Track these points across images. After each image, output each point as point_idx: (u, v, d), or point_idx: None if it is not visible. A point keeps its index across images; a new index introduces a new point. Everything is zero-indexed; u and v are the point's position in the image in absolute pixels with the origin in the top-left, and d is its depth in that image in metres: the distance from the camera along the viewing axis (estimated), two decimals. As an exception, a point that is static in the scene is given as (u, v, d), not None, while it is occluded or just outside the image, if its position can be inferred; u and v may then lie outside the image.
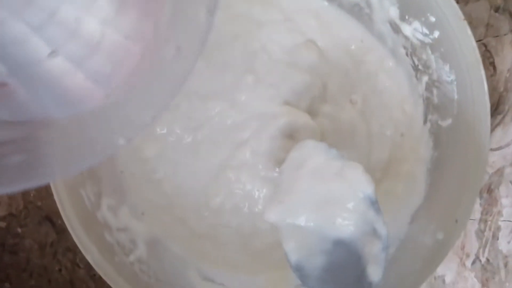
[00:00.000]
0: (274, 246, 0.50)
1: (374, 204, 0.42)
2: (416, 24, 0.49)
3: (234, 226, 0.52)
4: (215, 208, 0.52)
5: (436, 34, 0.47)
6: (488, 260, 0.53)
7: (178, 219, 0.52)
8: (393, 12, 0.50)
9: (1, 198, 0.56)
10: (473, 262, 0.54)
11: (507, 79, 0.54)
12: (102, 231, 0.48)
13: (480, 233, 0.54)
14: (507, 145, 0.54)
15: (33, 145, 0.33)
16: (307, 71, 0.54)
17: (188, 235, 0.52)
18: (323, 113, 0.54)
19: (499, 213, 0.54)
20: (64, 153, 0.33)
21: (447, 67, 0.48)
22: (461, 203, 0.47)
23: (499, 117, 0.54)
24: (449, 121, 0.49)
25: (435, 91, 0.50)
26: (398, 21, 0.50)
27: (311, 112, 0.53)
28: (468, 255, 0.54)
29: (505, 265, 0.53)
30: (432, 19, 0.47)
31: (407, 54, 0.52)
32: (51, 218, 0.57)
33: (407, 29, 0.50)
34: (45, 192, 0.56)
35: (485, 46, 0.55)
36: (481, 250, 0.54)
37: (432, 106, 0.51)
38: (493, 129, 0.54)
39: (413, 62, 0.52)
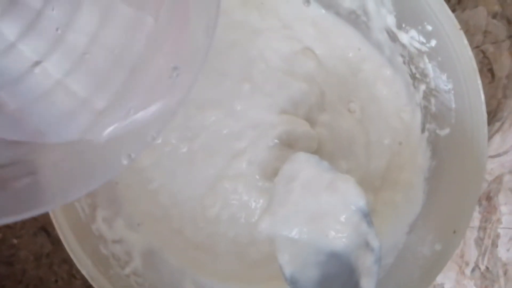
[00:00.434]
0: (271, 256, 0.50)
1: (366, 216, 0.42)
2: (413, 33, 0.49)
3: (230, 237, 0.52)
4: (212, 218, 0.52)
5: (433, 43, 0.47)
6: (487, 268, 0.53)
7: (174, 230, 0.52)
8: (390, 21, 0.50)
9: (-4, 209, 0.55)
10: (473, 270, 0.54)
11: (506, 86, 0.54)
12: (97, 244, 0.47)
13: (479, 241, 0.54)
14: (506, 152, 0.54)
15: (34, 169, 0.32)
16: (305, 79, 0.54)
17: (184, 246, 0.52)
18: (321, 122, 0.54)
19: (498, 220, 0.54)
20: (66, 177, 0.33)
21: (444, 76, 0.48)
22: (459, 214, 0.46)
23: (498, 124, 0.54)
24: (447, 130, 0.49)
25: (432, 100, 0.50)
26: (395, 29, 0.50)
27: (309, 120, 0.53)
28: (467, 263, 0.54)
29: (505, 273, 0.53)
30: (429, 28, 0.47)
31: (404, 63, 0.52)
32: (47, 229, 0.57)
33: (404, 38, 0.50)
34: (40, 202, 0.56)
35: (483, 52, 0.55)
36: (480, 258, 0.54)
37: (430, 115, 0.51)
38: (491, 136, 0.54)
39: (411, 70, 0.51)
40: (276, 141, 0.51)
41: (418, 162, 0.52)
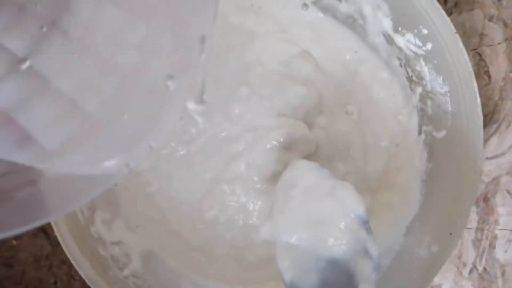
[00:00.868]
0: (268, 258, 0.50)
1: (365, 223, 0.43)
2: (409, 36, 0.49)
3: (228, 239, 0.52)
4: (209, 220, 0.52)
5: (429, 46, 0.48)
6: (485, 269, 0.53)
7: (172, 232, 0.52)
8: (387, 24, 0.50)
9: (-4, 211, 0.56)
10: (470, 271, 0.54)
11: (502, 88, 0.54)
12: (96, 246, 0.48)
13: (477, 242, 0.54)
14: (503, 154, 0.54)
15: (34, 178, 0.32)
16: (303, 82, 0.54)
17: (182, 248, 0.52)
18: (318, 124, 0.54)
19: (496, 222, 0.54)
20: (66, 186, 0.33)
21: (440, 79, 0.48)
22: (456, 215, 0.47)
23: (495, 126, 0.54)
24: (443, 133, 0.49)
25: (429, 102, 0.50)
26: (391, 33, 0.50)
27: (307, 123, 0.53)
28: (465, 264, 0.54)
29: (502, 273, 0.53)
30: (425, 31, 0.47)
31: (401, 65, 0.52)
32: (46, 231, 0.57)
33: (400, 41, 0.50)
34: (40, 204, 0.56)
35: (480, 55, 0.55)
36: (478, 259, 0.54)
37: (427, 117, 0.51)
38: (488, 138, 0.54)
39: (407, 73, 0.52)
40: (274, 143, 0.51)
41: (415, 164, 0.52)
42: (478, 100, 0.45)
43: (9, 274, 0.57)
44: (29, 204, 0.31)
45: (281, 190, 0.45)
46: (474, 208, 0.55)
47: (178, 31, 0.33)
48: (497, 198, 0.55)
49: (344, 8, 0.53)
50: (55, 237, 0.48)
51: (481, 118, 0.45)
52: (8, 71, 0.30)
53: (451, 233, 0.46)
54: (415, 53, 0.49)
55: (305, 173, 0.44)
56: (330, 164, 0.53)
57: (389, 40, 0.51)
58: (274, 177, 0.51)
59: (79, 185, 0.32)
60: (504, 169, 0.55)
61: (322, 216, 0.43)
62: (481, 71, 0.56)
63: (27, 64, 0.30)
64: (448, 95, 0.48)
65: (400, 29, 0.49)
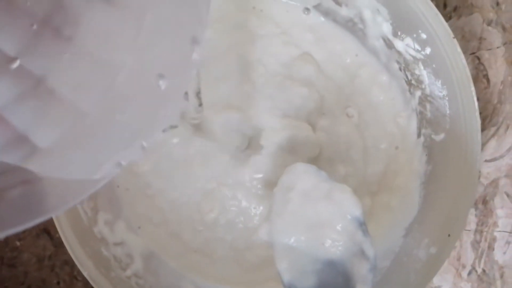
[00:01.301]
0: (269, 260, 0.50)
1: (362, 225, 0.43)
2: (408, 40, 0.49)
3: (228, 241, 0.52)
4: (210, 223, 0.52)
5: (428, 50, 0.48)
6: (484, 270, 0.54)
7: (173, 234, 0.52)
8: (386, 28, 0.51)
9: (-1, 212, 0.56)
10: (469, 273, 0.54)
11: (501, 91, 0.55)
12: (99, 246, 0.48)
13: (476, 244, 0.54)
14: (502, 156, 0.54)
15: (28, 177, 0.32)
16: (304, 84, 0.54)
17: (182, 250, 0.52)
18: (320, 127, 0.54)
19: (495, 224, 0.54)
20: (63, 182, 0.33)
21: (439, 83, 0.48)
22: (454, 218, 0.47)
23: (493, 128, 0.54)
24: (442, 136, 0.50)
25: (428, 105, 0.51)
26: (391, 37, 0.51)
27: (309, 125, 0.53)
28: (464, 266, 0.54)
29: (501, 275, 0.53)
30: (424, 36, 0.47)
31: (400, 69, 0.52)
32: (49, 231, 0.57)
33: (399, 45, 0.50)
34: (43, 205, 0.56)
35: (479, 59, 0.56)
36: (477, 261, 0.54)
37: (426, 121, 0.51)
38: (487, 140, 0.54)
39: (406, 77, 0.52)
40: (278, 146, 0.52)
41: (414, 166, 0.53)
42: (476, 104, 0.46)
43: (12, 275, 0.57)
44: (24, 203, 0.31)
45: (279, 193, 0.45)
46: (473, 210, 0.56)
47: (170, 30, 0.33)
48: (495, 201, 0.55)
49: (344, 12, 0.53)
50: (58, 238, 0.49)
51: (479, 121, 0.46)
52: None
53: (449, 235, 0.46)
54: (414, 57, 0.50)
55: (302, 176, 0.45)
56: (331, 167, 0.53)
57: (389, 44, 0.52)
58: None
59: (73, 183, 0.32)
60: (503, 171, 0.55)
61: (320, 218, 0.43)
62: (480, 75, 0.56)
63: (17, 63, 0.30)
64: (447, 98, 0.48)
65: (399, 33, 0.50)
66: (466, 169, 0.47)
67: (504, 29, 0.55)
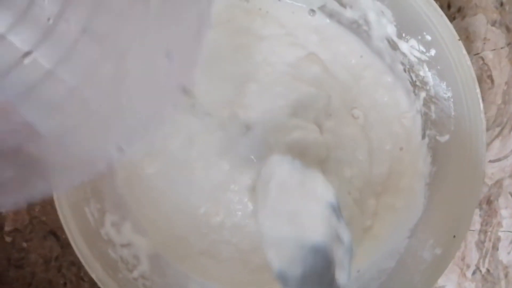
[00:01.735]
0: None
1: (336, 210, 0.43)
2: (413, 42, 0.49)
3: (234, 243, 0.52)
4: (215, 226, 0.52)
5: (433, 52, 0.48)
6: (488, 270, 0.54)
7: (178, 236, 0.52)
8: (391, 30, 0.51)
9: (6, 214, 0.56)
10: (474, 273, 0.55)
11: (505, 92, 0.55)
12: (106, 248, 0.48)
13: (480, 244, 0.54)
14: (506, 157, 0.54)
15: (24, 160, 0.32)
16: (312, 83, 0.54)
17: (188, 252, 0.52)
18: (327, 128, 0.54)
19: (499, 224, 0.54)
20: (58, 166, 0.33)
21: (444, 84, 0.48)
22: (459, 219, 0.47)
23: (498, 129, 0.54)
24: (446, 137, 0.50)
25: (432, 107, 0.51)
26: (395, 39, 0.51)
27: (317, 126, 0.53)
28: (468, 266, 0.55)
29: (506, 275, 0.53)
30: (428, 37, 0.47)
31: (405, 70, 0.52)
32: (56, 233, 0.57)
33: (404, 46, 0.51)
34: (49, 207, 0.57)
35: (483, 59, 0.56)
36: (481, 261, 0.54)
37: (430, 122, 0.51)
38: (491, 141, 0.54)
39: (411, 78, 0.52)
40: (286, 148, 0.52)
41: (419, 167, 0.53)
42: (481, 105, 0.46)
43: (19, 275, 0.57)
44: (18, 181, 0.31)
45: (260, 186, 0.46)
46: (477, 211, 0.56)
47: (177, 7, 0.33)
48: (500, 201, 0.56)
49: (348, 14, 0.53)
50: (65, 239, 0.49)
51: (484, 123, 0.46)
52: (12, 66, 0.31)
53: (454, 236, 0.46)
54: (419, 59, 0.50)
55: (278, 167, 0.45)
56: (337, 168, 0.53)
57: (393, 46, 0.52)
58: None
59: (75, 165, 0.32)
60: (507, 172, 0.56)
61: (298, 207, 0.44)
62: (484, 75, 0.56)
63: (32, 57, 0.30)
64: (452, 100, 0.48)
65: (404, 35, 0.50)
66: (471, 170, 0.47)
67: (508, 29, 0.55)
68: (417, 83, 0.51)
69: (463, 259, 0.56)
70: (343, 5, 0.53)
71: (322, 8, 0.54)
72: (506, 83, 0.55)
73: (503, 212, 0.55)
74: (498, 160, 0.56)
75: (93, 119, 0.33)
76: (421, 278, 0.47)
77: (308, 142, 0.52)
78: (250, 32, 0.55)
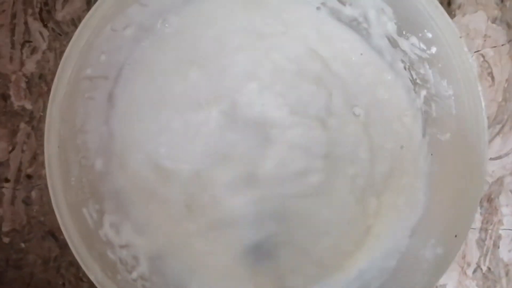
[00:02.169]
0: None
1: None
2: (414, 39, 0.49)
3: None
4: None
5: (433, 50, 0.48)
6: (489, 268, 0.54)
7: (179, 236, 0.52)
8: (391, 27, 0.50)
9: (4, 214, 0.56)
10: (474, 271, 0.55)
11: (506, 89, 0.55)
12: (105, 249, 0.48)
13: (481, 242, 0.54)
14: (507, 154, 0.54)
15: None
16: (313, 81, 0.54)
17: (190, 251, 0.52)
18: (329, 126, 0.54)
19: (500, 222, 0.54)
20: None
21: (444, 82, 0.48)
22: (460, 218, 0.47)
23: (498, 126, 0.54)
24: (447, 135, 0.49)
25: (433, 105, 0.50)
26: (395, 36, 0.50)
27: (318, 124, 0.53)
28: (469, 264, 0.55)
29: (507, 273, 0.53)
30: (429, 35, 0.47)
31: (405, 68, 0.52)
32: (54, 233, 0.57)
33: (404, 44, 0.50)
34: (47, 207, 0.56)
35: (483, 56, 0.56)
36: (482, 259, 0.54)
37: (431, 120, 0.51)
38: (492, 138, 0.54)
39: (411, 76, 0.52)
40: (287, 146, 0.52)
41: (420, 166, 0.52)
42: (483, 104, 0.45)
43: (18, 276, 0.57)
44: None
45: None
46: (478, 209, 0.56)
47: None
48: (501, 198, 0.56)
49: (348, 11, 0.53)
50: (63, 239, 0.49)
51: (486, 121, 0.46)
52: None
53: (456, 236, 0.46)
54: (420, 57, 0.49)
55: None
56: (339, 166, 0.53)
57: (393, 43, 0.51)
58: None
59: None
60: (508, 169, 0.56)
61: None
62: (485, 73, 0.56)
63: None
64: (453, 98, 0.48)
65: (404, 32, 0.50)
66: (472, 169, 0.47)
67: (509, 26, 0.55)
68: (418, 81, 0.51)
69: (463, 257, 0.56)
70: (342, 2, 0.52)
71: (323, 5, 0.54)
72: (507, 80, 0.55)
73: (504, 210, 0.55)
74: (499, 157, 0.56)
75: None
76: (422, 277, 0.47)
77: (310, 138, 0.52)
78: (250, 30, 0.55)
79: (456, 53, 0.46)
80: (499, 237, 0.56)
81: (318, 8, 0.54)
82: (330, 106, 0.54)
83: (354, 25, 0.54)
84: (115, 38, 0.49)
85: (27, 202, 0.56)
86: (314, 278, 0.52)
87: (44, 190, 0.56)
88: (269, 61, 0.54)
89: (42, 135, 0.46)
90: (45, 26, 0.56)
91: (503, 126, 0.55)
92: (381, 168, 0.54)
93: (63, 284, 0.57)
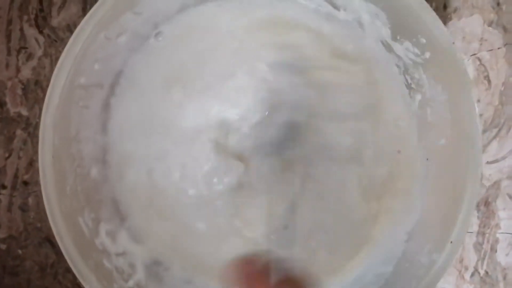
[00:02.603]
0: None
1: None
2: (408, 44, 0.49)
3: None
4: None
5: (427, 55, 0.48)
6: (486, 272, 0.54)
7: (176, 243, 0.52)
8: (385, 32, 0.50)
9: (1, 221, 0.56)
10: (472, 275, 0.55)
11: (502, 93, 0.55)
12: (101, 258, 0.48)
13: (478, 246, 0.54)
14: (503, 158, 0.54)
15: None
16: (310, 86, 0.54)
17: (187, 256, 0.52)
18: (325, 129, 0.54)
19: (497, 225, 0.54)
20: None
21: (439, 87, 0.48)
22: (456, 223, 0.46)
23: (495, 130, 0.54)
24: (442, 140, 0.49)
25: (428, 109, 0.50)
26: (390, 41, 0.50)
27: (317, 128, 0.53)
28: (466, 268, 0.55)
29: (504, 277, 0.53)
30: (423, 40, 0.47)
31: (400, 73, 0.52)
32: (51, 239, 0.57)
33: (399, 49, 0.50)
34: (44, 214, 0.56)
35: (480, 60, 0.56)
36: (479, 263, 0.54)
37: (426, 124, 0.51)
38: (489, 142, 0.54)
39: (406, 80, 0.52)
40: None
41: (416, 170, 0.52)
42: (476, 109, 0.46)
43: (15, 283, 0.57)
44: None
45: None
46: (475, 212, 0.56)
47: None
48: (498, 202, 0.56)
49: (342, 16, 0.53)
50: (60, 246, 0.49)
51: (480, 127, 0.46)
52: None
53: (451, 242, 0.46)
54: (414, 61, 0.49)
55: None
56: (341, 170, 0.53)
57: (388, 48, 0.51)
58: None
59: None
60: (504, 173, 0.56)
61: None
62: (481, 76, 0.56)
63: None
64: (447, 103, 0.48)
65: (398, 37, 0.49)
66: (468, 173, 0.47)
67: (505, 29, 0.55)
68: (413, 85, 0.51)
69: (461, 261, 0.56)
70: (336, 7, 0.52)
71: (316, 10, 0.54)
72: (503, 83, 0.55)
73: (501, 214, 0.55)
74: (496, 161, 0.56)
75: None
76: (418, 283, 0.47)
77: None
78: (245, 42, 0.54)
79: (449, 60, 0.46)
80: (496, 240, 0.56)
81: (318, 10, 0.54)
82: (327, 109, 0.54)
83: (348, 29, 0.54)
84: (109, 46, 0.49)
85: (23, 208, 0.56)
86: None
87: (40, 196, 0.56)
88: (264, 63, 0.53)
89: (38, 142, 0.46)
90: (41, 32, 0.56)
91: (499, 130, 0.55)
92: (380, 173, 0.54)
93: (60, 290, 0.57)
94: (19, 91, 0.56)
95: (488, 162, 0.56)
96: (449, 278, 0.56)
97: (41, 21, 0.56)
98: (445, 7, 0.56)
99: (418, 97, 0.51)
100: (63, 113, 0.46)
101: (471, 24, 0.56)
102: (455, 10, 0.56)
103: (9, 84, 0.56)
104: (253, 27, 0.54)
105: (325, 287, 0.51)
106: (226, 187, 0.52)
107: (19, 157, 0.56)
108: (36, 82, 0.56)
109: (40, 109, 0.56)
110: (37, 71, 0.56)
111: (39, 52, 0.56)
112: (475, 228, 0.56)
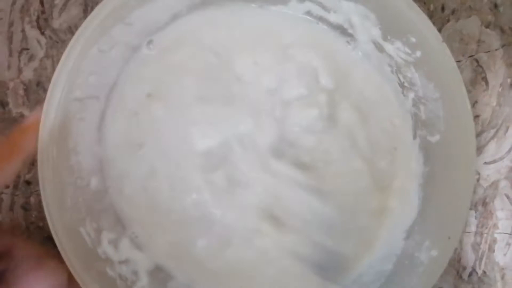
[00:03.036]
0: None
1: None
2: (398, 44, 0.49)
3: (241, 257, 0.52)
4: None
5: (418, 53, 0.48)
6: (484, 272, 0.54)
7: (179, 250, 0.52)
8: (376, 33, 0.50)
9: (3, 220, 0.57)
10: (470, 275, 0.55)
11: (500, 94, 0.55)
12: (104, 267, 0.48)
13: (476, 246, 0.54)
14: (501, 158, 0.54)
15: None
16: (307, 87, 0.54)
17: (190, 263, 0.52)
18: (322, 128, 0.54)
19: (495, 225, 0.54)
20: None
21: (431, 85, 0.48)
22: (453, 219, 0.47)
23: (493, 131, 0.54)
24: (437, 137, 0.50)
25: (422, 107, 0.51)
26: (381, 41, 0.51)
27: (314, 128, 0.53)
28: (464, 268, 0.55)
29: (502, 277, 0.53)
30: (413, 39, 0.47)
31: (392, 72, 0.52)
32: (53, 238, 0.58)
33: (390, 48, 0.50)
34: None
35: (477, 61, 0.56)
36: (477, 263, 0.54)
37: (420, 122, 0.51)
38: (487, 143, 0.54)
39: (399, 79, 0.52)
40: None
41: (412, 168, 0.53)
42: (469, 106, 0.46)
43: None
44: None
45: None
46: (473, 213, 0.56)
47: None
48: (495, 203, 0.56)
49: (333, 18, 0.53)
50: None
51: (473, 123, 0.46)
52: None
53: (449, 237, 0.46)
54: (405, 60, 0.50)
55: None
56: (341, 169, 0.53)
57: (380, 48, 0.52)
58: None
59: None
60: (502, 173, 0.56)
61: None
62: (479, 77, 0.56)
63: None
64: (440, 100, 0.48)
65: (389, 37, 0.50)
66: (462, 170, 0.47)
67: (502, 31, 0.55)
68: (405, 84, 0.51)
69: (459, 261, 0.56)
70: (327, 10, 0.52)
71: (308, 13, 0.54)
72: (501, 84, 0.56)
73: (499, 214, 0.55)
74: (494, 161, 0.56)
75: None
76: (419, 280, 0.47)
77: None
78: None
79: (440, 57, 0.46)
80: (494, 240, 0.55)
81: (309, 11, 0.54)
82: (322, 110, 0.54)
83: (339, 31, 0.54)
84: (102, 58, 0.49)
85: (26, 207, 0.56)
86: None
87: (42, 195, 0.56)
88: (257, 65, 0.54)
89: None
90: (42, 33, 0.57)
91: (497, 131, 0.55)
92: (378, 170, 0.54)
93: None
94: (21, 92, 0.56)
95: (486, 163, 0.56)
96: (447, 278, 0.56)
97: (42, 23, 0.57)
98: (443, 8, 0.57)
99: (411, 95, 0.52)
100: (60, 127, 0.46)
101: (468, 26, 0.56)
102: (453, 12, 0.56)
103: (11, 85, 0.56)
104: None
105: (325, 285, 0.51)
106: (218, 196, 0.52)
107: (21, 157, 0.57)
108: (38, 83, 0.56)
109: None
110: (39, 72, 0.56)
111: (41, 53, 0.57)
112: (473, 228, 0.56)
